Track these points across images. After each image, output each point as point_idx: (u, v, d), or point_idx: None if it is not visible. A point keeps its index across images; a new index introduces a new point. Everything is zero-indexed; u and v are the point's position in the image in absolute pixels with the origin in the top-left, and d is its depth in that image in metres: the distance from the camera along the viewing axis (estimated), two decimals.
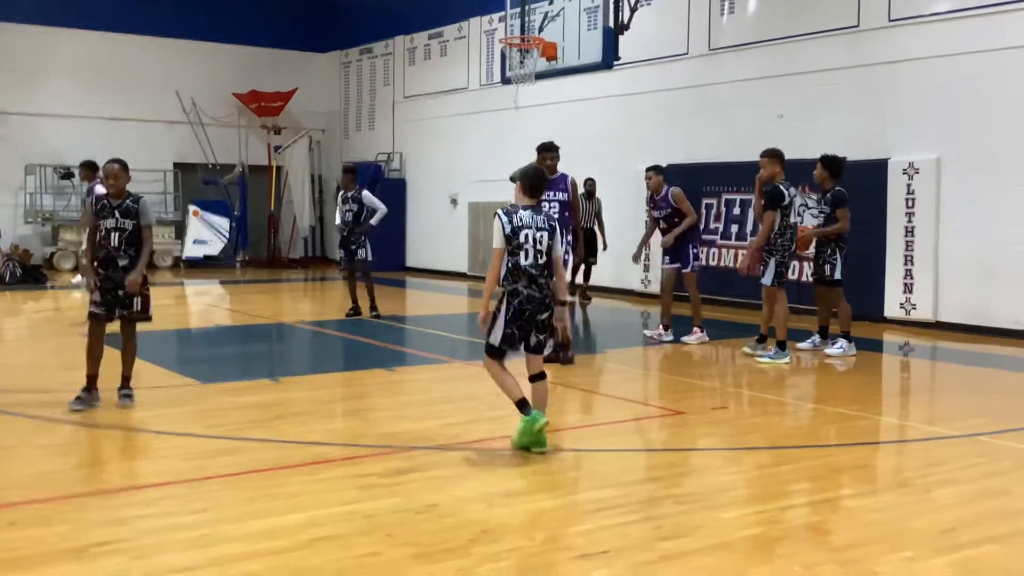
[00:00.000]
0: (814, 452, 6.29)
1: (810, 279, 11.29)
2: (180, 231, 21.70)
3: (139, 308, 7.20)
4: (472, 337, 10.91)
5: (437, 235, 20.74)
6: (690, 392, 8.40)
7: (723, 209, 14.41)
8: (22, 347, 10.87)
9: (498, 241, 5.89)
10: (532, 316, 5.89)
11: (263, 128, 22.85)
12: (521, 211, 5.94)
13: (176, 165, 22.23)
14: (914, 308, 12.10)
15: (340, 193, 12.76)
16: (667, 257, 10.97)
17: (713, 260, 14.48)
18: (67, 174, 20.24)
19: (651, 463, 5.99)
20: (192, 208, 21.56)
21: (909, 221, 12.13)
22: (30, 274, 17.44)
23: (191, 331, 12.92)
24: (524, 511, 4.95)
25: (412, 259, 21.61)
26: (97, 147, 20.71)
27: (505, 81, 13.68)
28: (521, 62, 12.66)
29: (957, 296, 11.80)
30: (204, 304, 16.40)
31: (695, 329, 10.76)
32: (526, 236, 5.86)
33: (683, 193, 10.76)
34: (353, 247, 12.42)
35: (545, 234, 5.90)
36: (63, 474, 5.70)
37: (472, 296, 17.25)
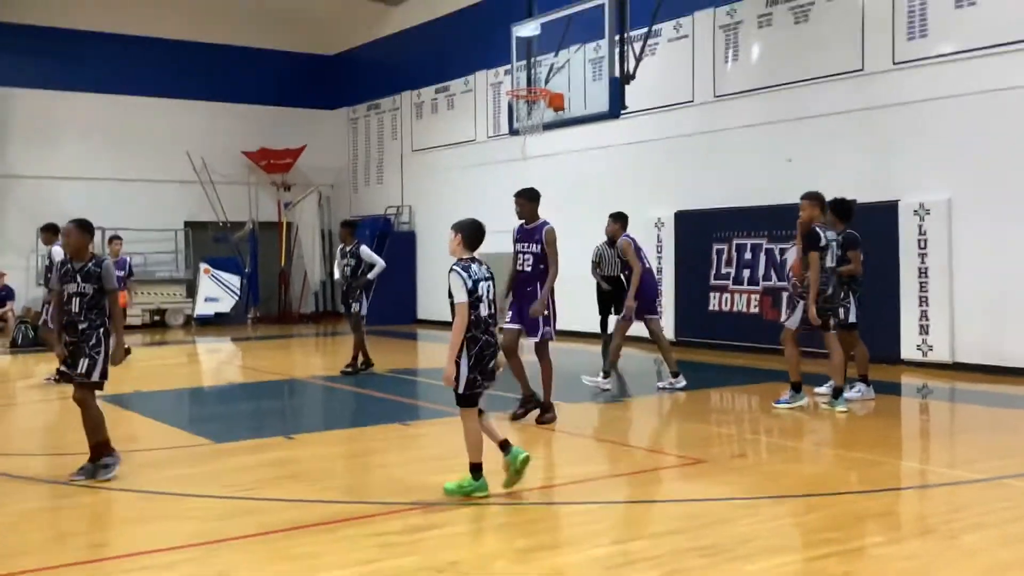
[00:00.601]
0: (837, 499, 6.19)
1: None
2: (191, 289, 21.78)
3: (82, 371, 6.70)
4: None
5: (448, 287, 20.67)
6: (708, 440, 8.31)
7: (734, 254, 14.40)
8: (35, 410, 10.84)
9: (463, 296, 6.07)
10: (489, 361, 6.17)
11: (273, 185, 23.03)
12: (473, 265, 6.19)
13: (187, 224, 22.40)
14: (931, 349, 12.01)
15: (339, 248, 12.83)
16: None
17: (726, 306, 14.44)
18: None
19: (674, 513, 5.89)
20: (203, 266, 21.66)
21: (922, 262, 12.08)
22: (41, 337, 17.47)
23: (203, 389, 12.89)
24: (547, 567, 4.87)
25: (423, 311, 21.61)
26: (108, 208, 20.95)
27: (513, 132, 13.77)
28: (528, 113, 12.76)
29: (973, 336, 11.72)
30: (216, 362, 16.39)
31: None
32: (482, 288, 6.12)
33: (629, 245, 10.84)
34: (350, 300, 12.46)
35: (491, 283, 6.25)
36: (79, 538, 5.65)
37: None
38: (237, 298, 21.79)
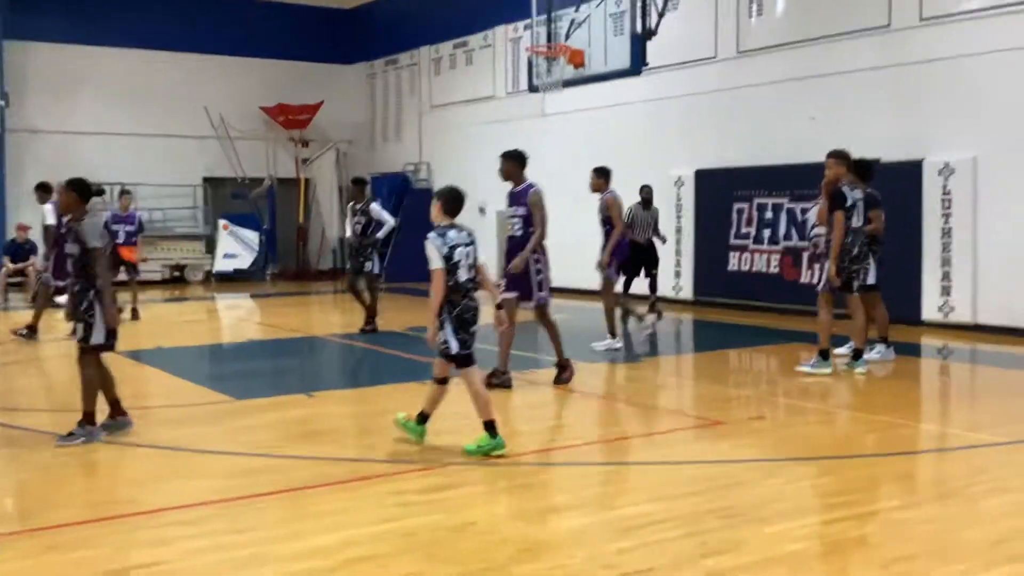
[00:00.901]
0: (856, 462, 6.19)
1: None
2: (210, 245, 21.85)
3: (80, 336, 6.60)
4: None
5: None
6: (726, 402, 8.30)
7: (755, 213, 14.28)
8: (60, 366, 10.94)
9: (438, 263, 6.16)
10: (471, 324, 6.28)
11: (291, 141, 22.98)
12: (451, 232, 6.25)
13: (205, 180, 22.42)
14: (952, 311, 11.93)
15: (349, 204, 12.70)
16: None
17: (745, 265, 14.36)
18: (99, 191, 20.39)
19: (691, 476, 5.91)
20: (222, 222, 21.72)
21: (946, 222, 11.95)
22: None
23: (223, 346, 12.98)
24: (564, 528, 4.90)
25: None
26: (127, 163, 21.01)
27: (532, 89, 13.63)
28: (548, 70, 12.62)
29: (996, 298, 11.61)
30: (235, 318, 16.48)
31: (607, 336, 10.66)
32: (459, 254, 6.21)
33: (615, 200, 10.59)
34: (361, 259, 12.28)
35: (472, 248, 6.32)
36: (103, 494, 5.73)
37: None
38: (256, 254, 21.85)
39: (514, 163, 8.56)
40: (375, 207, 12.34)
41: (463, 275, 6.21)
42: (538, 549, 4.57)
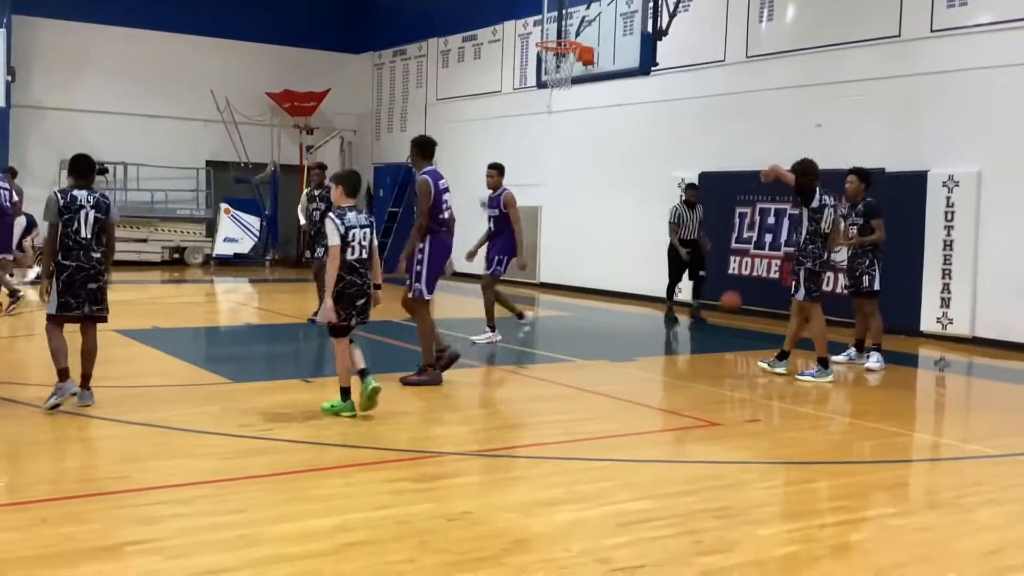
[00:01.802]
0: (851, 468, 6.19)
1: (843, 291, 11.06)
2: (211, 229, 21.82)
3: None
4: (503, 342, 10.87)
5: (467, 238, 20.44)
6: (723, 404, 8.30)
7: (757, 218, 14.28)
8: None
9: (335, 239, 6.72)
10: (354, 299, 6.89)
11: (295, 128, 22.93)
12: (348, 213, 6.83)
13: (209, 163, 22.39)
14: (951, 323, 11.93)
15: (307, 191, 12.45)
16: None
17: (747, 270, 14.36)
18: (101, 169, 20.42)
19: (688, 475, 5.90)
20: (224, 206, 21.68)
21: (948, 235, 11.95)
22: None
23: (220, 329, 12.97)
24: (558, 521, 4.89)
25: None
26: (131, 143, 20.99)
27: (540, 85, 13.63)
28: (557, 66, 12.62)
29: (995, 312, 11.61)
30: (233, 302, 16.46)
31: (486, 329, 10.75)
32: (353, 235, 6.78)
33: (514, 199, 10.66)
34: (316, 246, 11.81)
35: (368, 230, 6.91)
36: (95, 471, 5.72)
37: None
38: (256, 240, 21.83)
39: (414, 149, 8.53)
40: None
41: (352, 254, 6.77)
42: (532, 541, 4.56)
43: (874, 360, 9.72)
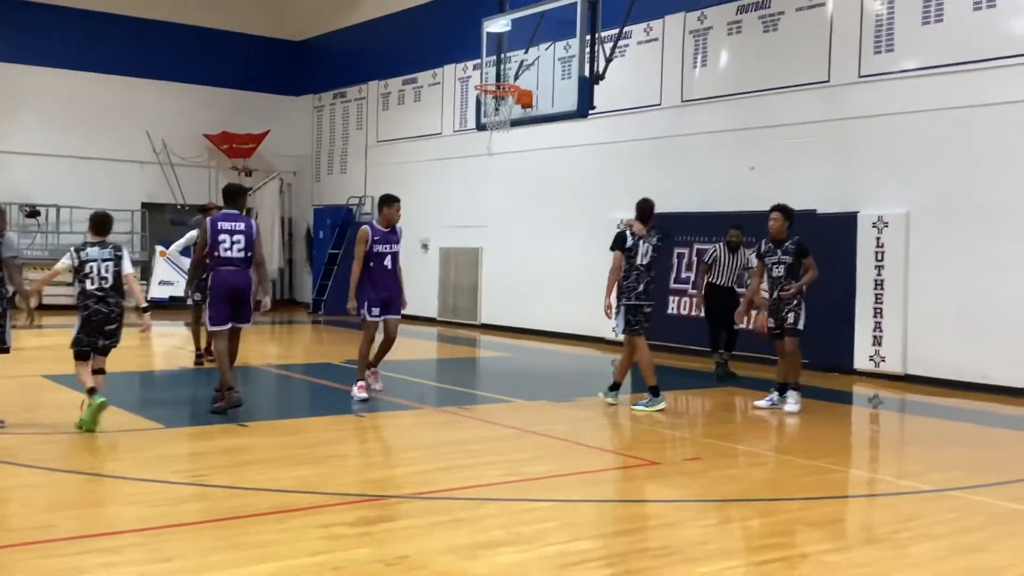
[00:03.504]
0: (788, 505, 6.23)
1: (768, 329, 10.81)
2: (146, 272, 21.44)
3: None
4: (440, 383, 10.81)
5: (407, 280, 20.46)
6: (663, 442, 8.34)
7: (694, 259, 14.46)
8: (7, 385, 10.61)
9: (65, 263, 7.78)
10: (100, 325, 7.72)
11: (233, 169, 22.75)
12: (91, 249, 7.78)
13: (144, 205, 22.07)
14: (883, 361, 12.16)
15: (198, 230, 12.11)
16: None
17: (685, 310, 14.50)
18: (33, 212, 20.06)
19: (627, 514, 5.90)
20: (159, 248, 21.33)
21: (879, 274, 12.23)
22: None
23: (154, 373, 12.70)
24: (497, 564, 4.84)
25: None
26: (65, 186, 20.62)
27: (480, 128, 13.70)
28: (496, 109, 12.70)
29: (926, 350, 11.88)
30: (169, 346, 16.13)
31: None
32: (91, 267, 7.67)
33: (360, 235, 10.17)
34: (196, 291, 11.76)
35: (109, 263, 7.77)
36: (20, 519, 5.52)
37: (441, 342, 17.14)
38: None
39: (224, 195, 9.44)
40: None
41: (90, 284, 7.64)
42: None
43: (792, 402, 9.59)
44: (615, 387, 9.76)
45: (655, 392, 9.44)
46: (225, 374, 8.63)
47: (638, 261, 9.40)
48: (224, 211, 9.12)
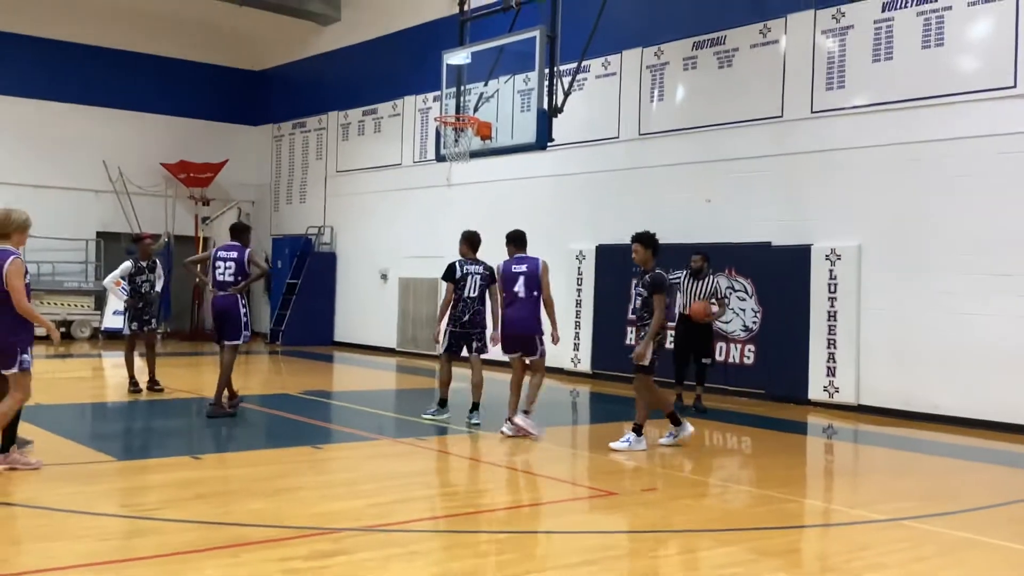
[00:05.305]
0: (744, 535, 6.28)
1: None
2: (100, 302, 21.15)
3: None
4: (398, 414, 10.77)
5: (366, 310, 20.59)
6: (621, 473, 8.36)
7: None
8: None
9: None
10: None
11: (191, 199, 22.60)
12: None
13: (99, 234, 21.81)
14: (837, 391, 12.33)
15: (136, 265, 12.88)
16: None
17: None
18: None
19: (585, 545, 5.90)
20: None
21: (832, 306, 12.42)
22: None
23: (107, 405, 12.51)
24: None
25: (340, 334, 21.37)
26: None
27: (439, 159, 13.77)
28: (456, 140, 12.77)
29: (878, 380, 12.06)
30: (122, 377, 15.88)
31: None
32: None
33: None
34: (148, 317, 12.79)
35: None
36: None
37: (400, 372, 17.08)
38: None
39: (229, 230, 10.80)
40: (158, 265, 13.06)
41: None
42: None
43: (623, 441, 9.00)
44: (475, 407, 10.27)
45: (443, 404, 10.43)
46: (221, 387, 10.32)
47: (466, 294, 10.10)
48: (227, 243, 10.54)
